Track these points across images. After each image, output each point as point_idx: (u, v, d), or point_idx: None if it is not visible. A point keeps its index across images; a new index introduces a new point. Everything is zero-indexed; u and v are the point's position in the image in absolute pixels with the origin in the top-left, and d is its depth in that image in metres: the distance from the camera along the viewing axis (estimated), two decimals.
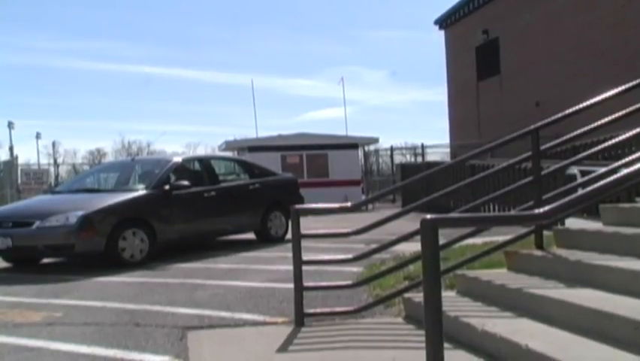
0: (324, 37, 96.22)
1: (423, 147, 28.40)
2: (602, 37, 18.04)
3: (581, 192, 3.98)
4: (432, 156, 27.35)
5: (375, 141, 26.71)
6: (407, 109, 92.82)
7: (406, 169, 21.18)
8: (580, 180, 7.07)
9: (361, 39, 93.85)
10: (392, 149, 30.01)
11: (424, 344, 3.11)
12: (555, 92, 19.24)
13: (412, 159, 30.45)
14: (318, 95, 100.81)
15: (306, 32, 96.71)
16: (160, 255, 9.75)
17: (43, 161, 44.48)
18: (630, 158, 5.74)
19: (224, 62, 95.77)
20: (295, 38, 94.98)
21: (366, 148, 27.01)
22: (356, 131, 32.62)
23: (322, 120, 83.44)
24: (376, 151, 29.41)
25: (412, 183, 7.20)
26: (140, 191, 10.31)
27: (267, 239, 11.65)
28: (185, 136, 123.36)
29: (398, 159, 29.92)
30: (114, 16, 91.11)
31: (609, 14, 17.89)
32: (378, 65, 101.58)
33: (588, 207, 6.82)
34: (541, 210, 3.44)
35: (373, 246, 6.04)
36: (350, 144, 24.46)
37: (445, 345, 3.14)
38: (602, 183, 3.65)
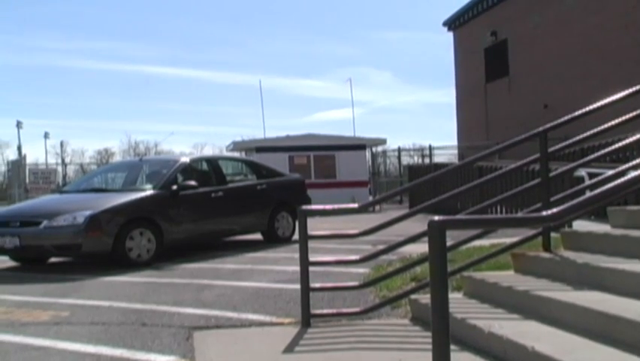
0: (332, 37, 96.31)
1: (430, 148, 28.39)
2: (611, 39, 17.99)
3: (589, 194, 3.96)
4: (439, 158, 27.37)
5: (383, 142, 26.69)
6: (415, 110, 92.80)
7: (413, 170, 21.16)
8: (588, 182, 7.04)
9: (370, 40, 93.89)
10: (400, 150, 30.01)
11: (430, 346, 3.10)
12: (564, 93, 19.20)
13: (420, 161, 30.39)
14: (327, 95, 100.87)
15: (314, 33, 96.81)
16: (167, 255, 9.76)
17: (51, 160, 44.67)
18: (639, 160, 5.72)
19: (232, 63, 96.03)
20: (304, 39, 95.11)
21: (373, 149, 26.98)
22: (364, 133, 32.72)
23: (330, 121, 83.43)
24: (384, 152, 29.38)
25: (420, 184, 7.19)
26: (148, 191, 10.32)
27: (273, 240, 11.64)
28: (192, 136, 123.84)
29: (405, 160, 29.93)
30: (123, 17, 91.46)
31: (619, 16, 17.84)
32: (386, 66, 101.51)
33: (596, 209, 6.80)
34: (549, 212, 3.43)
35: (380, 247, 6.04)
36: (358, 145, 24.46)
37: (452, 347, 3.13)
38: (610, 185, 3.63)
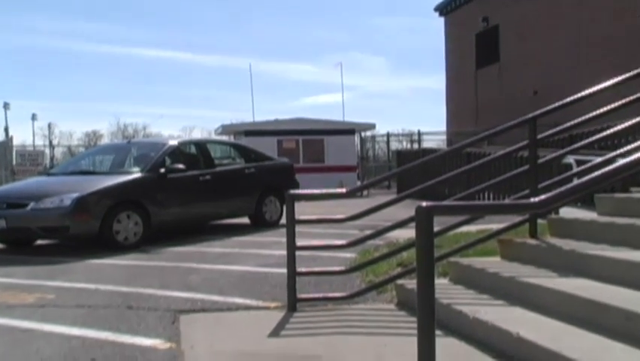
0: (324, 22, 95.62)
1: (419, 133, 28.43)
2: (602, 27, 17.98)
3: (576, 181, 3.97)
4: (428, 143, 27.43)
5: (372, 127, 26.70)
6: (405, 96, 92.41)
7: (401, 156, 21.16)
8: (576, 169, 7.06)
9: (362, 25, 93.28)
10: (388, 135, 29.99)
11: (415, 331, 3.10)
12: (554, 80, 19.20)
13: (409, 146, 30.43)
14: (317, 80, 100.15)
15: (306, 17, 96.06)
16: (154, 238, 9.73)
17: (39, 142, 44.23)
18: (627, 148, 5.73)
19: (222, 46, 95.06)
20: (295, 23, 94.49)
21: (362, 134, 26.97)
22: (353, 117, 32.54)
23: (320, 106, 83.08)
24: (373, 137, 29.39)
25: (408, 169, 7.19)
26: (136, 174, 10.28)
27: (261, 224, 11.63)
28: (181, 119, 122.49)
29: (394, 145, 29.86)
30: None
31: (611, 3, 17.83)
32: (378, 51, 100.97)
33: (583, 196, 6.81)
34: (537, 199, 3.43)
35: (367, 232, 6.04)
36: (347, 130, 24.43)
37: (437, 332, 3.13)
38: (598, 173, 3.63)
